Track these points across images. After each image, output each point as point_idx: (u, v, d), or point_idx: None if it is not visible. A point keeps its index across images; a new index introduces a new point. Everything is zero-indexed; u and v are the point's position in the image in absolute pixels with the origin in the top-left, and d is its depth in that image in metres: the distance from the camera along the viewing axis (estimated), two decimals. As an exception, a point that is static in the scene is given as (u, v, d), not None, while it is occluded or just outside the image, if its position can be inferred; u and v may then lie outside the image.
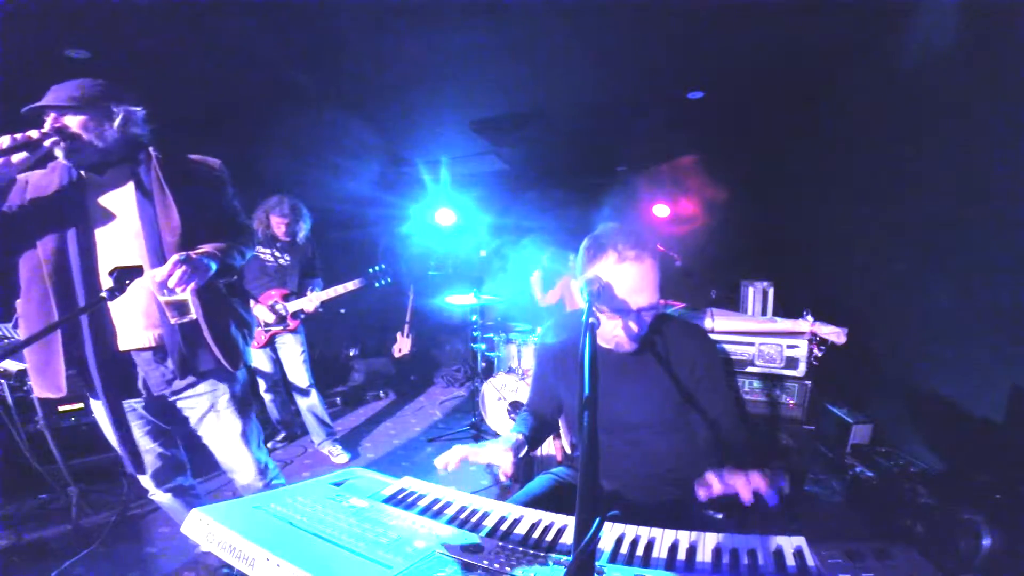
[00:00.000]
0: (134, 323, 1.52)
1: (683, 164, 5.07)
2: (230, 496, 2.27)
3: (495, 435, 3.72)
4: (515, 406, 3.57)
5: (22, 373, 2.44)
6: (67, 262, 1.44)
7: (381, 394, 4.91)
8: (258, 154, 4.31)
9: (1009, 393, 2.17)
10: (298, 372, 3.24)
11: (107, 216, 1.49)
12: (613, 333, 1.24)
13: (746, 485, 0.96)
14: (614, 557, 0.91)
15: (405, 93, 3.64)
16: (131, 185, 1.50)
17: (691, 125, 4.47)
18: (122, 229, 1.49)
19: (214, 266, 1.49)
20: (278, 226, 3.14)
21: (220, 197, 1.65)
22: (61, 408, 2.70)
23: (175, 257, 1.38)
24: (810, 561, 0.86)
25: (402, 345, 5.31)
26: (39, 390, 1.48)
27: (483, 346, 4.30)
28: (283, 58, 2.94)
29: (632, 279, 1.16)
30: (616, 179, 5.59)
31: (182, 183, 1.53)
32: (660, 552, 0.93)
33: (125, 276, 1.26)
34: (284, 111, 3.72)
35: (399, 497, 1.11)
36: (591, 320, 0.92)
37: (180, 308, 1.45)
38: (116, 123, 1.45)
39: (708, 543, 0.94)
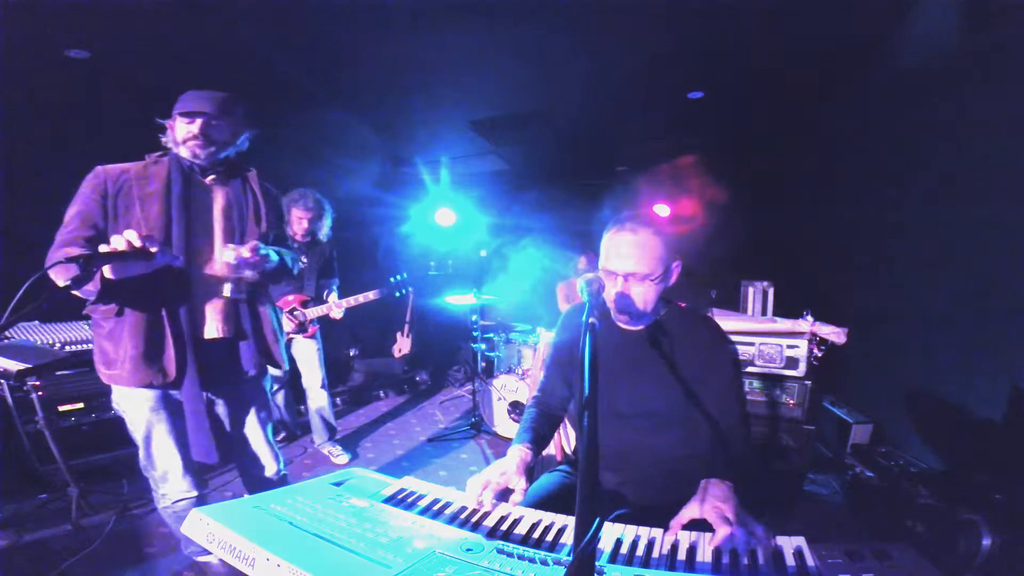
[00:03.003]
0: (215, 315, 1.67)
1: (683, 164, 5.06)
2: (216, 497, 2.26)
3: (495, 435, 3.72)
4: (515, 406, 3.57)
5: (22, 373, 2.43)
6: (170, 244, 1.56)
7: (381, 394, 4.91)
8: (258, 154, 4.30)
9: (1009, 393, 2.17)
10: (313, 373, 3.22)
11: (208, 210, 1.67)
12: (610, 297, 1.28)
13: (723, 537, 0.93)
14: (614, 557, 0.91)
15: (405, 93, 3.63)
16: (229, 189, 1.72)
17: (691, 125, 4.47)
18: (219, 223, 1.68)
19: (275, 258, 1.71)
20: (299, 222, 3.01)
21: (280, 220, 1.94)
22: (61, 408, 2.70)
23: (254, 242, 1.61)
24: (810, 561, 0.87)
25: (402, 345, 5.30)
26: (136, 380, 1.54)
27: (483, 346, 4.30)
28: (284, 59, 2.94)
29: (619, 246, 1.26)
30: (616, 179, 5.58)
31: (265, 198, 1.80)
32: (660, 552, 0.93)
33: (90, 263, 1.21)
34: (284, 111, 3.71)
35: (399, 497, 1.11)
36: (591, 320, 0.92)
37: (238, 284, 1.66)
38: (240, 136, 1.72)
39: (708, 543, 0.94)
